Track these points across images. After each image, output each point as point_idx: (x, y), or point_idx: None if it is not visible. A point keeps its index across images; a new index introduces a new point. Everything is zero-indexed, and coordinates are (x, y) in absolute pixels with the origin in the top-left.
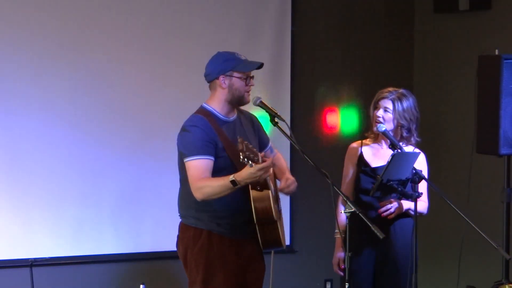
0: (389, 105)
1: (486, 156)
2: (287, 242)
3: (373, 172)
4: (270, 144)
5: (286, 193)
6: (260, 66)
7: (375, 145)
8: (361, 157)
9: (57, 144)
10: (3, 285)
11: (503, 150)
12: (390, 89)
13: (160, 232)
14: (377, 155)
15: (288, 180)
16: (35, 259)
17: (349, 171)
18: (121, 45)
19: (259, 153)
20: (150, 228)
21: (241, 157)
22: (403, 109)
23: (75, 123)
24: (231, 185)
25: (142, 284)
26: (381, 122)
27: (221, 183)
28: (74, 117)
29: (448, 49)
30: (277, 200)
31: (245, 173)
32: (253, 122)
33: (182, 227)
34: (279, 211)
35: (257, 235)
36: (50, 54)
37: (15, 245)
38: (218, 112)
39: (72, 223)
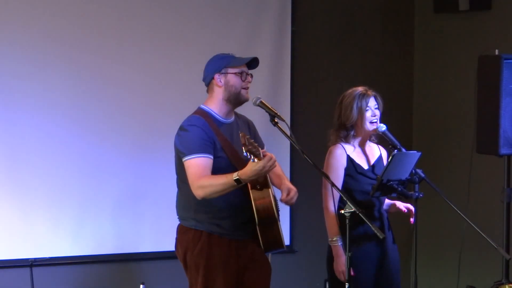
0: (375, 103)
1: (486, 156)
2: (287, 242)
3: (373, 171)
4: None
5: (289, 205)
6: (253, 59)
7: (355, 148)
8: (351, 160)
9: (57, 144)
10: (3, 285)
11: (503, 150)
12: (363, 87)
13: (160, 232)
14: (367, 156)
15: (290, 191)
16: (35, 259)
17: (340, 174)
18: (123, 43)
19: (260, 148)
20: (150, 228)
21: (244, 151)
22: (382, 105)
23: (75, 123)
24: (234, 183)
25: (142, 284)
26: (376, 122)
27: (224, 181)
28: (74, 117)
29: (448, 49)
30: (275, 200)
31: (249, 170)
32: (250, 127)
33: (181, 229)
34: (277, 211)
35: (259, 237)
36: (51, 52)
37: (15, 245)
38: (215, 113)
39: (72, 223)
